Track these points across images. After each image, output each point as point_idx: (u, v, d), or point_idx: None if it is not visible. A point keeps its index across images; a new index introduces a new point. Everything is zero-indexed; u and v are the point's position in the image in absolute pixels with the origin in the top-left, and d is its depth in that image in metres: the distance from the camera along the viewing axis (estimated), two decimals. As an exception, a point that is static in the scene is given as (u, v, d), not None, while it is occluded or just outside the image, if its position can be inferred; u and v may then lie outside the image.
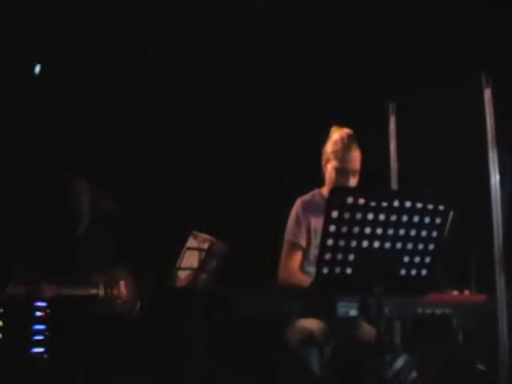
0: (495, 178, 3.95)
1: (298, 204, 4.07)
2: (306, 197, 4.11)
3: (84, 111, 5.34)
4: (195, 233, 4.35)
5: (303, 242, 3.95)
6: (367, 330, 3.56)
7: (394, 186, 4.61)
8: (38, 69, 5.19)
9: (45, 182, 4.67)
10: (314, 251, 3.87)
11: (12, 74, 5.06)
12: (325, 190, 4.10)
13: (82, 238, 4.59)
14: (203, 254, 4.32)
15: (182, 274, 4.35)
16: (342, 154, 3.94)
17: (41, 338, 4.44)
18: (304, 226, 3.97)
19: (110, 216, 4.66)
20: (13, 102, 5.06)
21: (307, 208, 4.02)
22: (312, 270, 3.79)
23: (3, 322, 4.19)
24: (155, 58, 5.52)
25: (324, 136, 4.10)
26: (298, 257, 3.94)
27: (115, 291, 4.48)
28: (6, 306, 4.15)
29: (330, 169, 4.02)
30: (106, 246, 4.58)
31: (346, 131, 4.02)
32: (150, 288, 4.57)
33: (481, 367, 3.49)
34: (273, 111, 5.48)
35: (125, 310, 4.49)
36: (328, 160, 4.03)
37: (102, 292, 4.44)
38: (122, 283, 4.53)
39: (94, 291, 4.39)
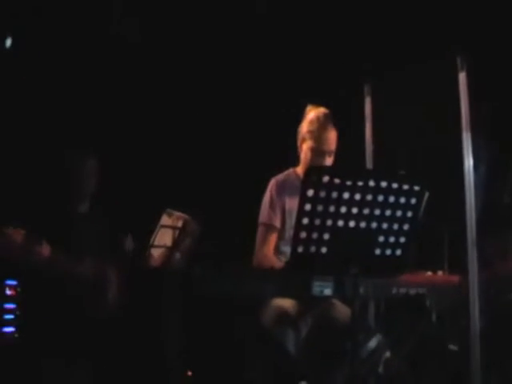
0: (469, 161, 3.97)
1: (272, 185, 4.03)
2: (281, 177, 4.07)
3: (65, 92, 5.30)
4: (169, 211, 4.33)
5: (278, 224, 3.92)
6: (341, 310, 3.57)
7: (369, 166, 4.61)
8: (9, 42, 5.12)
9: (51, 158, 4.64)
10: (289, 231, 3.83)
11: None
12: (300, 170, 4.08)
13: (81, 217, 4.53)
14: (177, 232, 4.30)
15: (156, 252, 4.33)
16: (318, 134, 3.90)
17: (11, 316, 4.41)
18: (278, 208, 3.93)
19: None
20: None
21: (282, 188, 3.98)
22: (288, 249, 3.77)
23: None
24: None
25: (299, 115, 4.08)
26: (272, 240, 3.91)
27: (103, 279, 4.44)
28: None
29: (305, 148, 3.99)
30: (103, 230, 4.54)
31: (322, 110, 3.98)
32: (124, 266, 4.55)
33: (453, 347, 3.52)
34: (247, 89, 5.45)
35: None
36: (303, 140, 4.00)
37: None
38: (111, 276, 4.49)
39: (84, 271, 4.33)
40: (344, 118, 4.04)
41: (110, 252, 4.46)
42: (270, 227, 3.93)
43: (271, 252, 3.89)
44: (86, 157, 4.54)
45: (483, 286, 3.59)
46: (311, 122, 3.96)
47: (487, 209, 3.94)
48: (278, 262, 3.78)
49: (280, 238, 3.92)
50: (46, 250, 4.10)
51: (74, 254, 4.26)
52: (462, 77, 4.01)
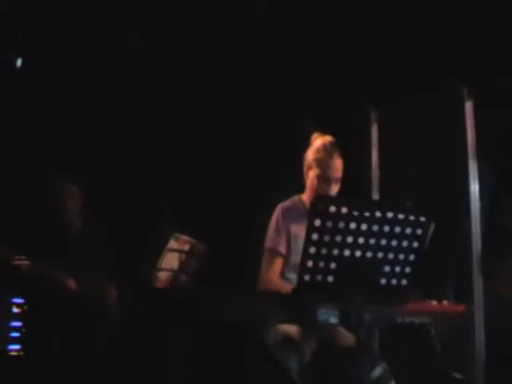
0: (475, 188, 3.99)
1: (278, 210, 4.04)
2: (287, 203, 4.09)
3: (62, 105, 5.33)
4: (176, 234, 4.37)
5: (283, 250, 3.93)
6: (346, 336, 3.57)
7: (375, 194, 4.63)
8: (19, 62, 5.18)
9: (32, 186, 4.71)
10: (294, 258, 3.85)
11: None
12: (305, 197, 4.10)
13: (73, 240, 4.62)
14: (184, 255, 4.34)
15: (163, 275, 4.37)
16: (325, 161, 3.93)
17: (17, 335, 4.44)
18: (284, 233, 3.94)
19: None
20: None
21: (287, 214, 4.00)
22: (292, 276, 3.79)
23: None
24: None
25: (305, 142, 4.11)
26: (278, 265, 3.92)
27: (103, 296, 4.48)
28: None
29: (311, 176, 4.01)
30: (101, 250, 4.61)
31: (328, 139, 4.00)
32: (131, 289, 4.57)
33: (457, 376, 3.52)
34: (254, 116, 5.47)
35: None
36: (310, 167, 4.02)
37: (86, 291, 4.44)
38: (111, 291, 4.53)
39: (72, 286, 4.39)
40: (350, 145, 4.06)
41: (108, 268, 4.53)
42: (275, 252, 3.94)
43: (277, 276, 3.90)
44: (65, 182, 4.66)
45: (489, 313, 3.60)
46: (317, 150, 3.99)
47: (492, 234, 3.95)
48: (283, 285, 3.78)
49: (285, 264, 3.93)
50: (71, 283, 4.28)
51: (71, 274, 4.37)
52: (469, 106, 4.04)
